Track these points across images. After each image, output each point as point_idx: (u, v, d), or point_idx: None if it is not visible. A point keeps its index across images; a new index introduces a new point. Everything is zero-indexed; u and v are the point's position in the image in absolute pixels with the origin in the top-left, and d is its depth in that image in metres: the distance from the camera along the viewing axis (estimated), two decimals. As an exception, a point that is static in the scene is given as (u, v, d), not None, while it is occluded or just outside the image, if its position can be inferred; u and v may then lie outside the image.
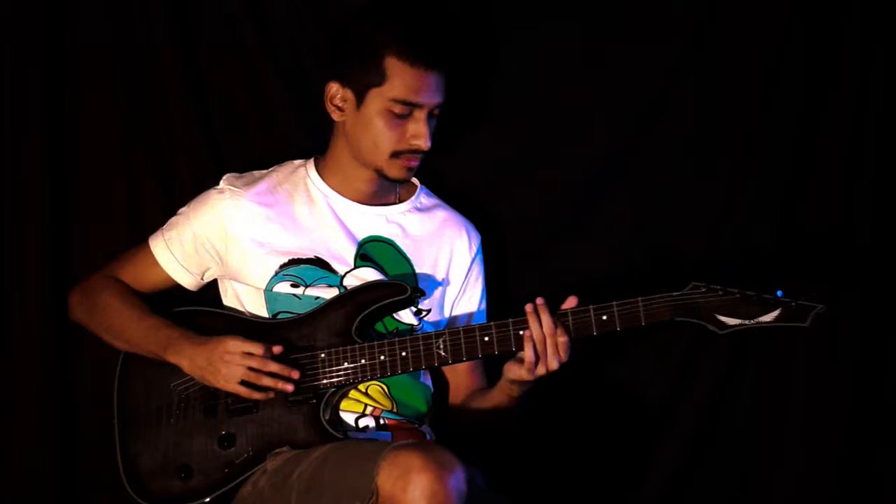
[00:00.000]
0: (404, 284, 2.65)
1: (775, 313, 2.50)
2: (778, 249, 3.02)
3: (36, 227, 2.97)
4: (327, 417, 2.62)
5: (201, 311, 2.76)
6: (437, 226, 2.84)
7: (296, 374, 2.59)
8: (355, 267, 2.74)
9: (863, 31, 3.01)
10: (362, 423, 2.67)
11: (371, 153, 2.69)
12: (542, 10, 3.06)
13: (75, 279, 2.88)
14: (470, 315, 2.84)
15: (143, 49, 3.00)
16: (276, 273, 2.70)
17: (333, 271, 2.72)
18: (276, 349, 2.60)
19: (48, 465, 2.97)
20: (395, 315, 2.73)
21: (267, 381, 2.58)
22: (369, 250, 2.76)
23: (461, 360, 2.62)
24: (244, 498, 2.59)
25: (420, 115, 2.66)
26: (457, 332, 2.60)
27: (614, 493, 3.08)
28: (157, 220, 2.84)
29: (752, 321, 2.51)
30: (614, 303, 2.56)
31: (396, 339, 2.63)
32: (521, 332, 2.56)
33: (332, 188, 2.77)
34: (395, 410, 2.71)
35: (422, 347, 2.61)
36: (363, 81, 2.65)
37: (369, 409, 2.68)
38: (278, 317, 2.70)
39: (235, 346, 2.58)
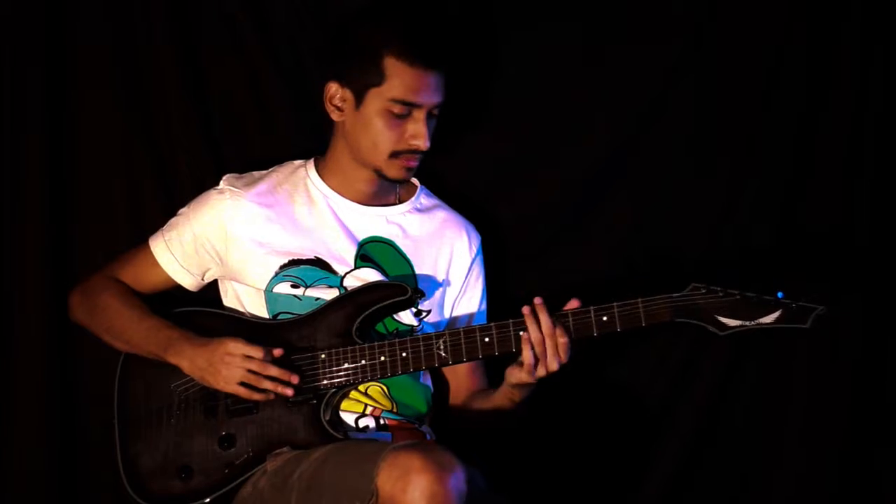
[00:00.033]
0: (405, 285, 2.65)
1: (776, 315, 2.50)
2: (778, 250, 3.02)
3: (36, 227, 2.97)
4: (327, 418, 2.62)
5: (201, 311, 2.76)
6: (438, 226, 2.84)
7: (295, 379, 2.59)
8: (355, 267, 2.74)
9: (863, 31, 3.01)
10: (362, 423, 2.67)
11: (370, 153, 2.69)
12: (542, 10, 3.05)
13: (75, 279, 2.88)
14: (470, 315, 2.84)
15: (143, 49, 3.00)
16: (277, 274, 2.70)
17: (333, 272, 2.72)
18: (277, 352, 2.60)
19: (48, 465, 2.97)
20: (395, 316, 2.73)
21: (267, 385, 2.58)
22: (369, 251, 2.76)
23: (461, 361, 2.62)
24: (244, 498, 2.60)
25: (419, 115, 2.66)
26: (457, 333, 2.60)
27: (614, 493, 3.08)
28: (157, 221, 2.84)
29: (752, 322, 2.51)
30: (614, 304, 2.55)
31: (397, 339, 2.63)
32: (521, 334, 2.56)
33: (332, 188, 2.77)
34: (395, 411, 2.71)
35: (422, 348, 2.61)
36: (362, 81, 2.65)
37: (369, 410, 2.68)
38: (278, 317, 2.70)
39: (236, 347, 2.58)
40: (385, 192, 2.80)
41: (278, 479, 2.54)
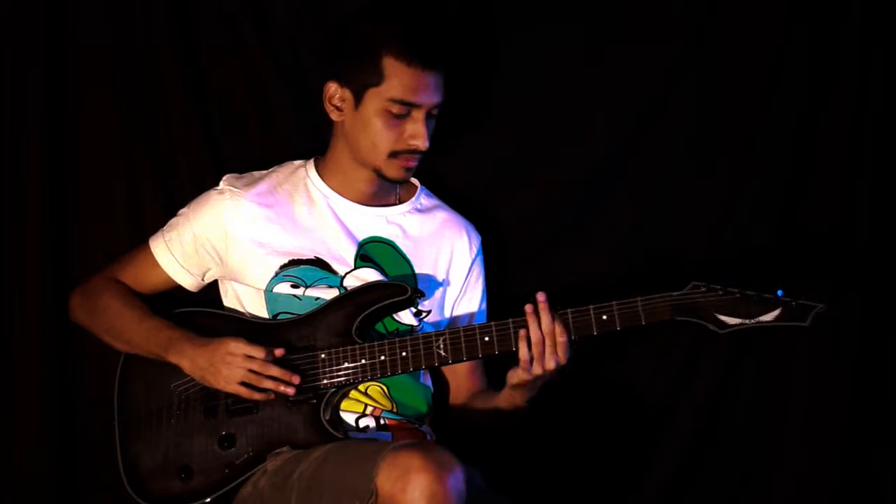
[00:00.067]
0: (405, 285, 2.65)
1: (775, 313, 2.50)
2: (778, 249, 3.02)
3: (36, 227, 2.97)
4: (327, 417, 2.62)
5: (202, 311, 2.76)
6: (438, 227, 2.84)
7: (296, 379, 2.59)
8: (355, 267, 2.74)
9: (863, 31, 3.01)
10: (362, 423, 2.67)
11: (369, 153, 2.69)
12: (542, 10, 3.06)
13: (75, 280, 2.88)
14: (470, 315, 2.84)
15: (143, 49, 3.00)
16: (277, 274, 2.70)
17: (333, 272, 2.72)
18: (278, 352, 2.60)
19: (48, 465, 2.97)
20: (395, 316, 2.73)
21: (268, 384, 2.58)
22: (369, 251, 2.76)
23: (461, 360, 2.62)
24: (244, 498, 2.60)
25: (418, 115, 2.66)
26: (457, 332, 2.60)
27: (614, 493, 3.08)
28: (157, 221, 2.84)
29: (752, 321, 2.51)
30: (614, 302, 2.55)
31: (396, 339, 2.63)
32: (519, 331, 2.56)
33: (333, 189, 2.77)
34: (395, 411, 2.71)
35: (422, 347, 2.61)
36: (361, 81, 2.65)
37: (369, 410, 2.68)
38: (278, 317, 2.70)
39: (237, 347, 2.58)
40: (385, 192, 2.80)
41: (278, 478, 2.54)
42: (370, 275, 2.73)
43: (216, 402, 2.64)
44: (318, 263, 2.72)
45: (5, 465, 2.97)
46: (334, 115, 2.72)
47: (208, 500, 2.61)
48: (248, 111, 3.05)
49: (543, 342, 2.54)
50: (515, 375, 2.59)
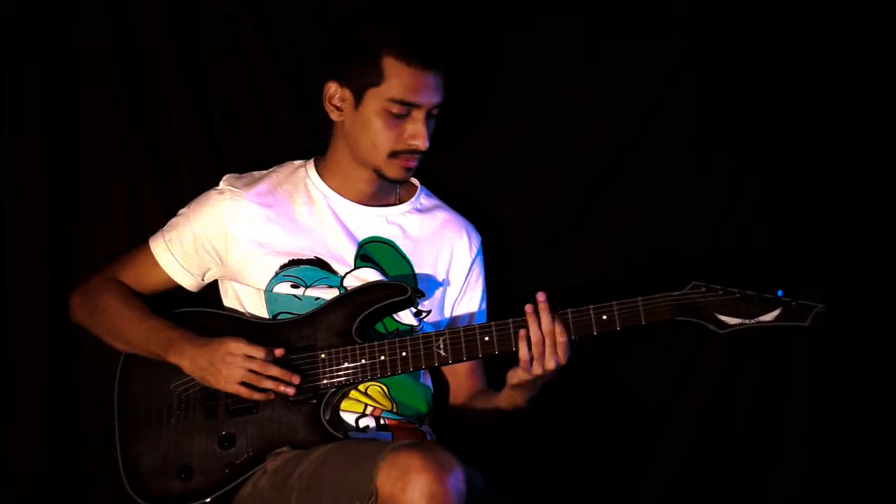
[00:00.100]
0: (404, 285, 2.65)
1: (775, 313, 2.50)
2: (778, 249, 3.02)
3: (36, 227, 2.97)
4: (327, 417, 2.62)
5: (202, 311, 2.76)
6: (438, 227, 2.84)
7: (297, 379, 2.59)
8: (355, 267, 2.74)
9: (863, 31, 3.01)
10: (363, 423, 2.67)
11: (369, 153, 2.69)
12: (542, 10, 3.05)
13: (75, 280, 2.88)
14: (470, 315, 2.84)
15: (143, 49, 3.00)
16: (277, 274, 2.70)
17: (333, 272, 2.72)
18: (279, 352, 2.60)
19: (48, 465, 2.97)
20: (395, 316, 2.73)
21: (268, 384, 2.58)
22: (369, 251, 2.76)
23: (461, 360, 2.62)
24: (244, 498, 2.60)
25: (418, 115, 2.66)
26: (457, 332, 2.60)
27: (614, 493, 3.08)
28: (157, 221, 2.84)
29: (752, 321, 2.51)
30: (614, 302, 2.55)
31: (396, 339, 2.63)
32: (520, 331, 2.56)
33: (333, 189, 2.77)
34: (395, 411, 2.71)
35: (422, 347, 2.61)
36: (361, 81, 2.65)
37: (369, 410, 2.68)
38: (278, 317, 2.70)
39: (238, 347, 2.58)
40: (385, 192, 2.80)
41: (278, 478, 2.54)
42: (370, 275, 2.73)
43: (216, 402, 2.64)
44: (318, 263, 2.72)
45: (5, 465, 2.97)
46: (334, 115, 2.72)
47: (208, 500, 2.61)
48: (248, 111, 3.05)
49: (543, 342, 2.54)
50: (515, 375, 2.59)
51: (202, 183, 2.87)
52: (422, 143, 2.67)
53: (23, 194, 2.97)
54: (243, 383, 2.58)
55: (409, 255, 2.78)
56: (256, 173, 2.81)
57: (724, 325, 2.53)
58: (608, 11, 3.05)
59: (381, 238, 2.77)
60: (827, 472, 3.08)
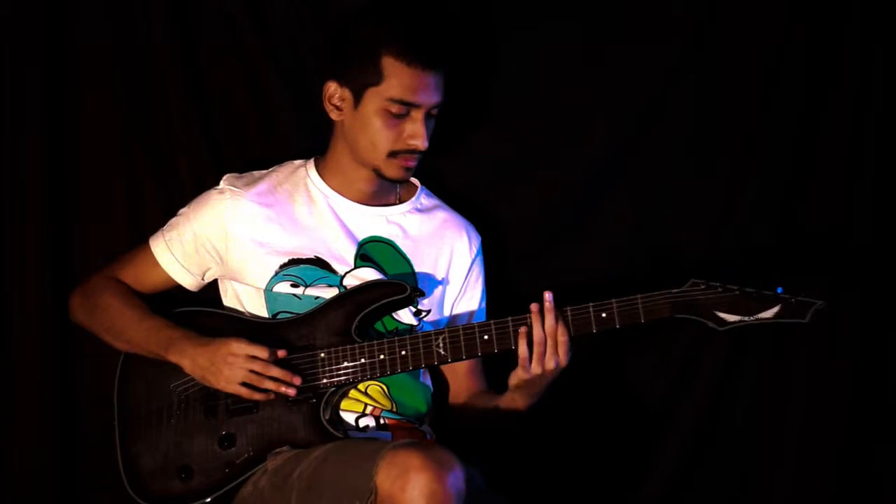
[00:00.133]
0: (404, 284, 2.65)
1: (775, 310, 2.51)
2: (778, 249, 3.02)
3: (36, 227, 2.97)
4: (327, 417, 2.62)
5: (202, 311, 2.76)
6: (438, 226, 2.84)
7: (297, 381, 2.59)
8: (355, 267, 2.74)
9: (863, 31, 3.01)
10: (362, 422, 2.67)
11: (368, 153, 2.69)
12: (542, 10, 3.06)
13: (75, 279, 2.88)
14: (470, 315, 2.84)
15: (143, 49, 3.00)
16: (276, 273, 2.70)
17: (333, 271, 2.72)
18: (281, 353, 2.60)
19: (48, 465, 2.97)
20: (394, 315, 2.73)
21: (269, 385, 2.58)
22: (369, 250, 2.76)
23: (461, 359, 2.62)
24: (245, 498, 2.59)
25: (417, 115, 2.66)
26: (456, 331, 2.60)
27: (614, 493, 3.08)
28: (157, 221, 2.84)
29: (751, 318, 2.51)
30: (613, 300, 2.56)
31: (396, 338, 2.63)
32: (520, 329, 2.56)
33: (333, 188, 2.77)
34: (394, 410, 2.70)
35: (421, 346, 2.61)
36: (361, 81, 2.65)
37: (369, 409, 2.68)
38: (278, 317, 2.70)
39: (240, 348, 2.58)
40: (385, 191, 2.80)
41: (278, 478, 2.53)
42: (370, 274, 2.73)
43: (216, 402, 2.64)
44: (318, 263, 2.72)
45: (5, 465, 2.97)
46: (334, 115, 2.72)
47: (208, 499, 2.61)
48: (248, 111, 3.05)
49: (545, 342, 2.54)
50: (515, 376, 2.59)
51: (202, 183, 2.87)
52: (421, 143, 2.67)
53: (23, 194, 2.97)
54: (244, 384, 2.58)
55: (409, 255, 2.78)
56: (256, 173, 2.81)
57: (723, 322, 2.53)
58: (608, 11, 3.05)
59: (380, 238, 2.77)
60: (827, 472, 3.08)
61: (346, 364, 2.62)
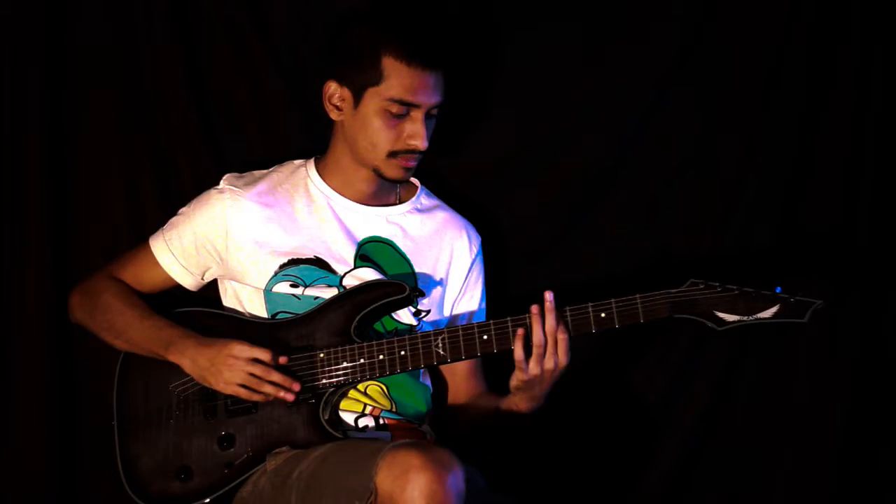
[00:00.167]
0: (403, 284, 2.65)
1: (774, 309, 2.50)
2: (778, 249, 3.02)
3: (36, 226, 2.97)
4: (327, 417, 2.61)
5: (201, 311, 2.76)
6: (438, 227, 2.84)
7: (297, 387, 2.59)
8: (355, 267, 2.74)
9: (863, 31, 3.01)
10: (362, 422, 2.67)
11: (368, 153, 2.69)
12: (542, 10, 3.06)
13: (75, 279, 2.88)
14: (470, 315, 2.84)
15: (143, 49, 3.00)
16: (276, 273, 2.70)
17: (333, 271, 2.72)
18: (282, 360, 2.60)
19: (48, 465, 2.97)
20: (393, 315, 2.73)
21: (268, 389, 2.58)
22: (369, 251, 2.76)
23: (460, 359, 2.62)
24: (244, 498, 2.59)
25: (417, 115, 2.66)
26: (455, 331, 2.60)
27: (614, 493, 3.08)
28: (157, 220, 2.84)
29: (750, 317, 2.51)
30: (612, 300, 2.55)
31: (395, 338, 2.63)
32: (517, 330, 2.56)
33: (333, 188, 2.77)
34: (394, 410, 2.70)
35: (420, 346, 2.61)
36: (361, 81, 2.65)
37: (369, 409, 2.68)
38: (277, 317, 2.70)
39: (241, 351, 2.58)
40: (385, 191, 2.80)
41: (278, 478, 2.53)
42: (369, 274, 2.73)
43: (215, 403, 2.64)
44: (318, 263, 2.72)
45: (5, 465, 2.97)
46: (334, 115, 2.72)
47: (208, 500, 2.60)
48: (248, 111, 3.05)
49: (545, 343, 2.54)
50: (515, 378, 2.59)
51: (202, 183, 2.87)
52: (420, 143, 2.67)
53: (23, 194, 2.97)
54: (243, 385, 2.58)
55: (408, 255, 2.78)
56: (256, 173, 2.81)
57: (722, 322, 2.52)
58: (608, 11, 3.05)
59: (380, 238, 2.77)
60: (827, 472, 3.08)
61: (345, 364, 2.62)
